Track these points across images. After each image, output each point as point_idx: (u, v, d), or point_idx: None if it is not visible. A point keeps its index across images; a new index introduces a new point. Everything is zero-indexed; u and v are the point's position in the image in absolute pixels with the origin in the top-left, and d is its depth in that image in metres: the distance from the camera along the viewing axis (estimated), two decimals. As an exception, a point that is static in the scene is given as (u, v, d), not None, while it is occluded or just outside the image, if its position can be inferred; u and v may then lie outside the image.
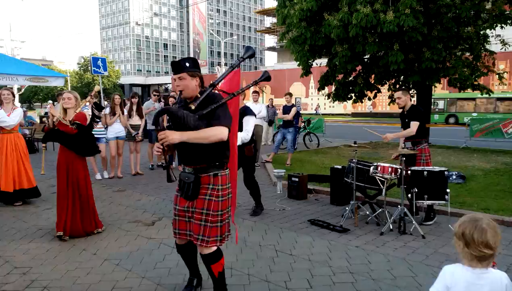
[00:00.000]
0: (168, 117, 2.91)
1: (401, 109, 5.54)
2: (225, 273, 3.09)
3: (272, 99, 16.71)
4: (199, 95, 2.87)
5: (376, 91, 13.49)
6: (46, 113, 20.14)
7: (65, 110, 4.74)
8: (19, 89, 15.92)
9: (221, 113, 2.81)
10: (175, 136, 2.66)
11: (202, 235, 2.86)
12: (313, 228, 5.05)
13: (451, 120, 27.79)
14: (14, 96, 6.41)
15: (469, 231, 1.69)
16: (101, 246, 4.45)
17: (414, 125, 5.21)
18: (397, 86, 13.15)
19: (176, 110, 2.78)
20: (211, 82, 3.00)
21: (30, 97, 61.60)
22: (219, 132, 2.74)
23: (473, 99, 26.85)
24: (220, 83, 3.16)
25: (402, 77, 12.48)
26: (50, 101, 30.07)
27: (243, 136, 5.23)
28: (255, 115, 5.66)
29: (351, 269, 3.81)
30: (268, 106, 14.09)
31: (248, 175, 5.59)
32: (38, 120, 14.20)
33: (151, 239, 4.65)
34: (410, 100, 5.56)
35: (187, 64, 2.87)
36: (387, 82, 13.39)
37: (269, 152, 10.87)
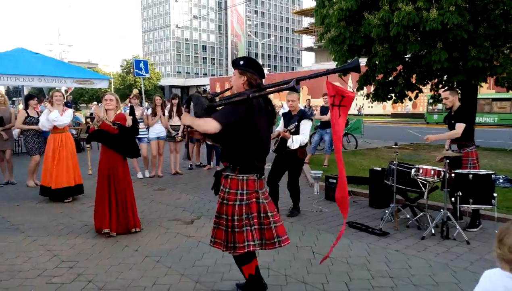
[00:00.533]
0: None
1: (449, 110, 5.34)
2: (259, 275, 3.14)
3: (309, 99, 16.59)
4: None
5: (417, 91, 13.10)
6: (91, 114, 20.95)
7: (106, 111, 4.94)
8: (66, 91, 16.70)
9: (224, 109, 2.84)
10: (185, 119, 2.93)
11: (211, 235, 3.04)
12: (351, 231, 4.98)
13: None
14: (64, 98, 6.77)
15: (501, 231, 1.62)
16: (142, 243, 4.59)
17: (460, 127, 5.00)
18: (440, 86, 12.70)
19: (195, 98, 3.01)
20: (261, 85, 2.93)
21: (76, 98, 64.33)
22: (204, 124, 2.75)
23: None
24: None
25: (445, 76, 12.04)
26: (95, 103, 31.28)
27: (302, 139, 5.24)
28: (312, 120, 5.69)
29: (391, 273, 3.73)
30: (305, 106, 14.01)
31: (293, 178, 5.58)
32: (83, 120, 14.87)
33: (190, 237, 4.75)
34: (459, 100, 5.34)
35: (241, 62, 2.96)
36: (429, 82, 12.95)
37: (306, 153, 10.79)
